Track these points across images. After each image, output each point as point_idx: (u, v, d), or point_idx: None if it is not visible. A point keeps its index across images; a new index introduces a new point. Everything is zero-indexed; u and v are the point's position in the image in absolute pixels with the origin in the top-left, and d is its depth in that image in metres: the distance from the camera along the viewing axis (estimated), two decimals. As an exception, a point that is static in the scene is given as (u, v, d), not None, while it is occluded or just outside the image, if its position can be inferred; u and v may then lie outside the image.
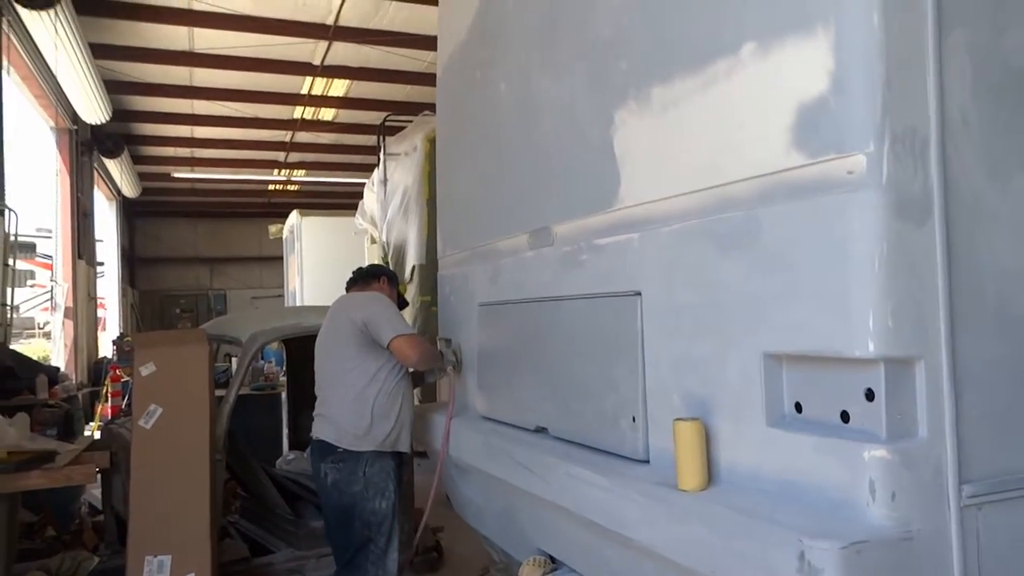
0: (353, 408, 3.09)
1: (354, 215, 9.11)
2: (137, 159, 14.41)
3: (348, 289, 3.49)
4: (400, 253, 7.62)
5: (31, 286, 15.74)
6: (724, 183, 1.81)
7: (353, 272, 3.54)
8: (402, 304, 3.61)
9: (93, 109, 9.70)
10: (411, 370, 3.32)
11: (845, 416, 1.60)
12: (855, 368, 1.57)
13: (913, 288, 1.51)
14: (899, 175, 1.50)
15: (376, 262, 3.95)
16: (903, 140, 1.51)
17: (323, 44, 9.55)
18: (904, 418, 1.53)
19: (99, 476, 3.99)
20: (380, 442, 3.10)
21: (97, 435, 6.57)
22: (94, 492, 5.19)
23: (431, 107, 4.05)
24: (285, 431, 6.36)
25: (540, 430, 2.69)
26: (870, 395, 1.55)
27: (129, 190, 15.26)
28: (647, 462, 2.11)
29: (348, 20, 8.95)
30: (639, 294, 2.13)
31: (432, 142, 6.37)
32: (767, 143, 1.69)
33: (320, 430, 3.15)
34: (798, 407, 1.71)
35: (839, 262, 1.54)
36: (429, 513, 3.47)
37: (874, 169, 1.49)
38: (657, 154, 2.06)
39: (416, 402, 3.57)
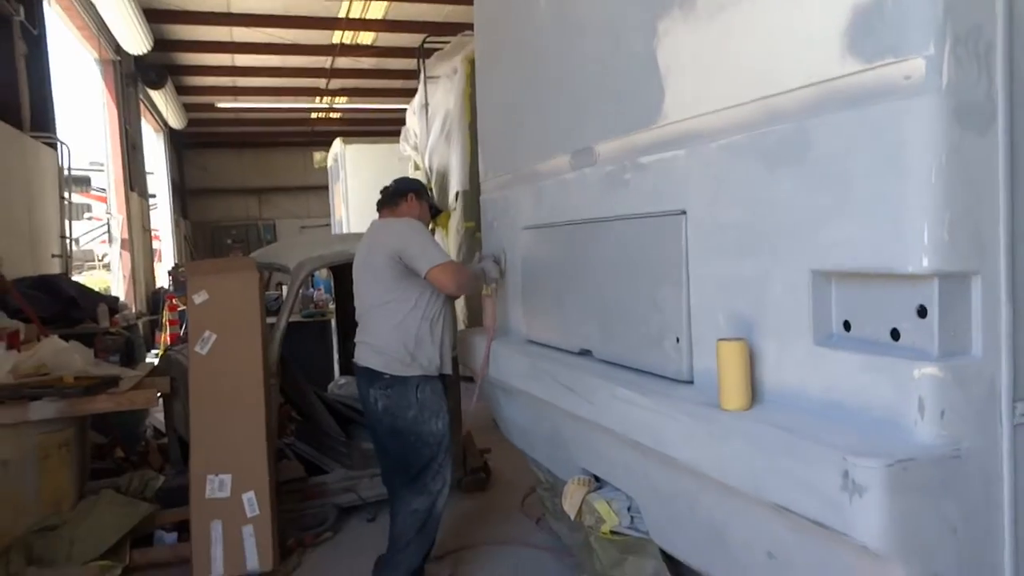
0: (396, 336, 3.14)
1: (397, 141, 9.07)
2: (181, 90, 14.52)
3: (379, 211, 3.44)
4: (443, 179, 7.60)
5: (88, 219, 16.24)
6: (772, 94, 1.75)
7: (380, 192, 3.46)
8: (435, 212, 3.58)
9: (134, 39, 9.74)
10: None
11: (895, 334, 1.57)
12: (907, 284, 1.53)
13: (972, 200, 1.45)
14: (961, 80, 1.42)
15: (404, 176, 3.81)
16: (966, 41, 1.42)
17: (360, -36, 9.34)
18: (957, 335, 1.50)
19: (161, 400, 4.18)
20: (426, 367, 3.17)
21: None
22: (157, 416, 5.45)
23: (471, 27, 3.95)
24: (335, 356, 6.54)
25: (584, 352, 2.71)
26: (922, 312, 1.51)
27: (175, 121, 15.43)
28: (691, 383, 2.13)
29: (384, -63, 8.71)
30: (684, 213, 2.10)
31: (472, 63, 6.26)
32: (818, 49, 1.62)
33: (365, 357, 3.22)
34: (846, 325, 1.68)
35: (893, 174, 1.48)
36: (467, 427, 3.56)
37: (934, 73, 1.42)
38: (703, 66, 2.00)
39: (462, 326, 3.59)
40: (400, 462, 3.23)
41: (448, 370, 3.28)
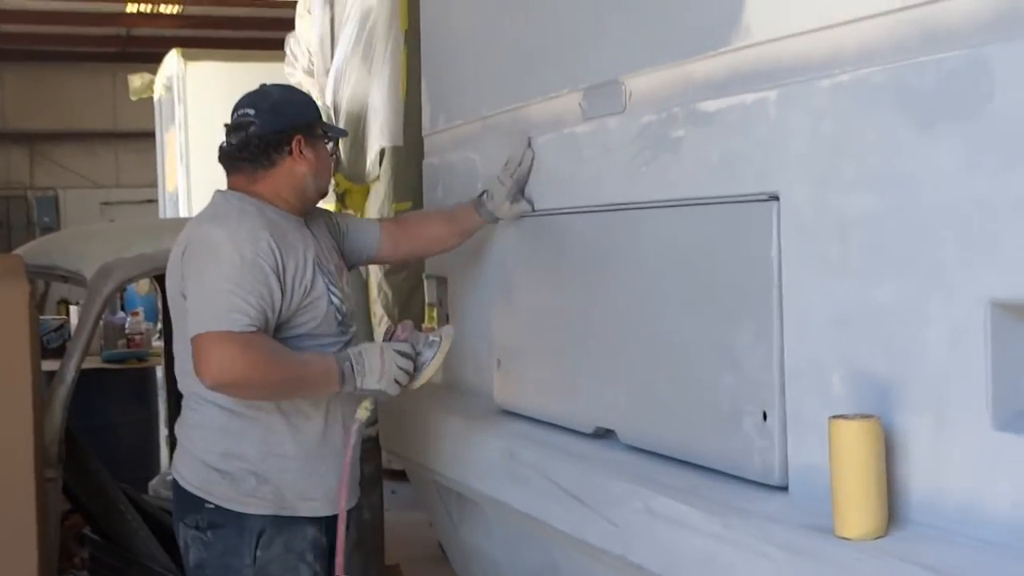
0: (221, 438, 2.95)
1: (276, 58, 9.06)
2: (-102, -41, 14.41)
3: (227, 173, 3.09)
4: (358, 127, 7.58)
5: None
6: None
7: (225, 130, 3.07)
8: (336, 134, 3.23)
9: None
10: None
11: None
12: None
13: None
14: None
15: (280, 87, 3.25)
16: None
17: None
18: None
19: None
20: (287, 500, 2.97)
21: None
22: None
23: None
24: (163, 431, 6.48)
25: (602, 434, 2.73)
26: None
27: None
28: (785, 489, 2.15)
29: None
30: (775, 199, 2.13)
31: (412, -72, 6.28)
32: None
33: (176, 464, 3.07)
34: (1049, 397, 1.72)
35: None
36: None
37: None
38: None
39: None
40: None
41: (350, 502, 3.06)
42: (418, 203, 4.42)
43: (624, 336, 2.64)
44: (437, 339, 2.90)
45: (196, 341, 2.71)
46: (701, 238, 2.36)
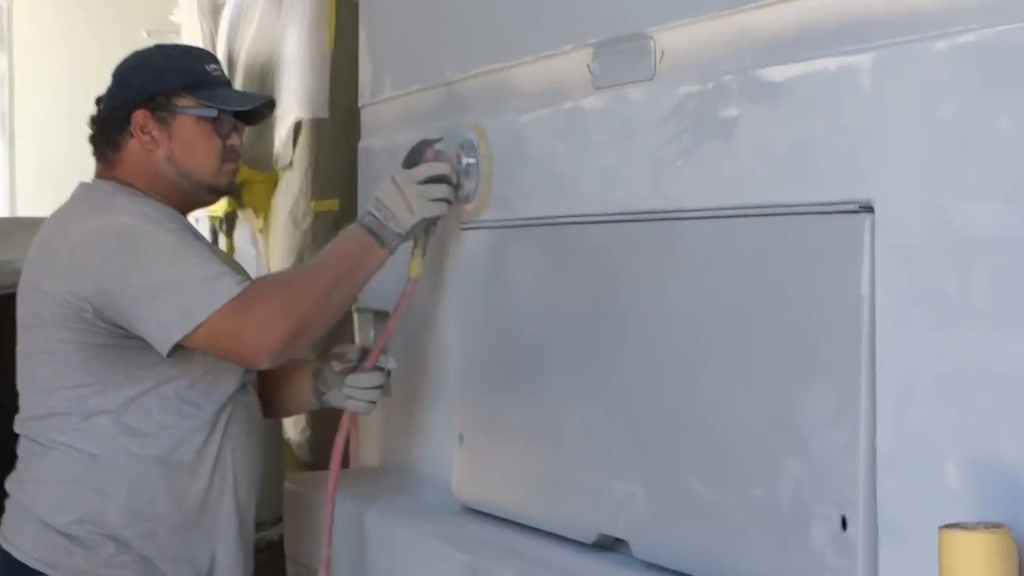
0: (74, 493, 3.14)
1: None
2: None
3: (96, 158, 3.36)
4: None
5: None
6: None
7: (96, 106, 3.39)
8: (245, 118, 3.40)
9: None
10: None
11: None
12: None
13: None
14: None
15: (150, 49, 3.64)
16: None
17: None
18: None
19: None
20: (152, 572, 3.14)
21: None
22: None
23: None
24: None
25: (608, 544, 2.72)
26: None
27: None
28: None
29: None
30: (868, 210, 2.11)
31: None
32: None
33: (7, 528, 3.22)
34: None
35: None
36: None
37: None
38: None
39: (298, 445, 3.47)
40: None
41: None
42: (349, 201, 4.41)
43: (642, 404, 2.62)
44: (473, 160, 3.13)
45: (202, 334, 2.89)
46: (759, 264, 2.33)
